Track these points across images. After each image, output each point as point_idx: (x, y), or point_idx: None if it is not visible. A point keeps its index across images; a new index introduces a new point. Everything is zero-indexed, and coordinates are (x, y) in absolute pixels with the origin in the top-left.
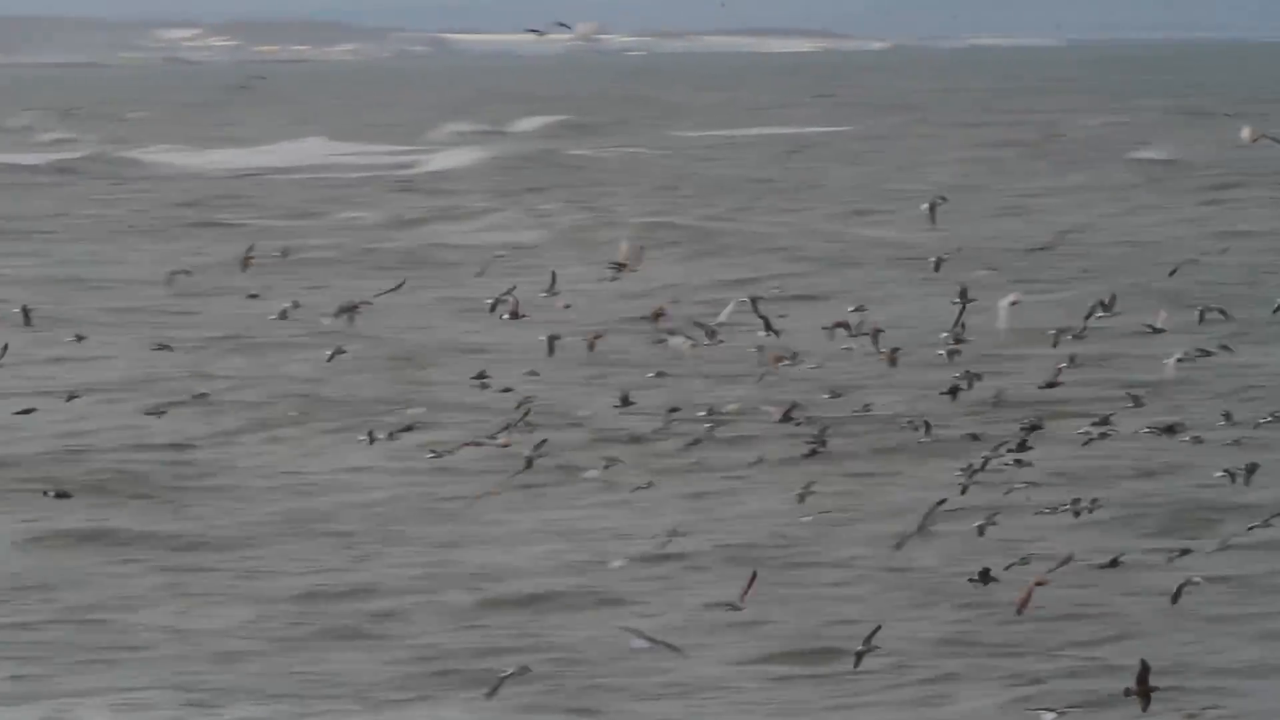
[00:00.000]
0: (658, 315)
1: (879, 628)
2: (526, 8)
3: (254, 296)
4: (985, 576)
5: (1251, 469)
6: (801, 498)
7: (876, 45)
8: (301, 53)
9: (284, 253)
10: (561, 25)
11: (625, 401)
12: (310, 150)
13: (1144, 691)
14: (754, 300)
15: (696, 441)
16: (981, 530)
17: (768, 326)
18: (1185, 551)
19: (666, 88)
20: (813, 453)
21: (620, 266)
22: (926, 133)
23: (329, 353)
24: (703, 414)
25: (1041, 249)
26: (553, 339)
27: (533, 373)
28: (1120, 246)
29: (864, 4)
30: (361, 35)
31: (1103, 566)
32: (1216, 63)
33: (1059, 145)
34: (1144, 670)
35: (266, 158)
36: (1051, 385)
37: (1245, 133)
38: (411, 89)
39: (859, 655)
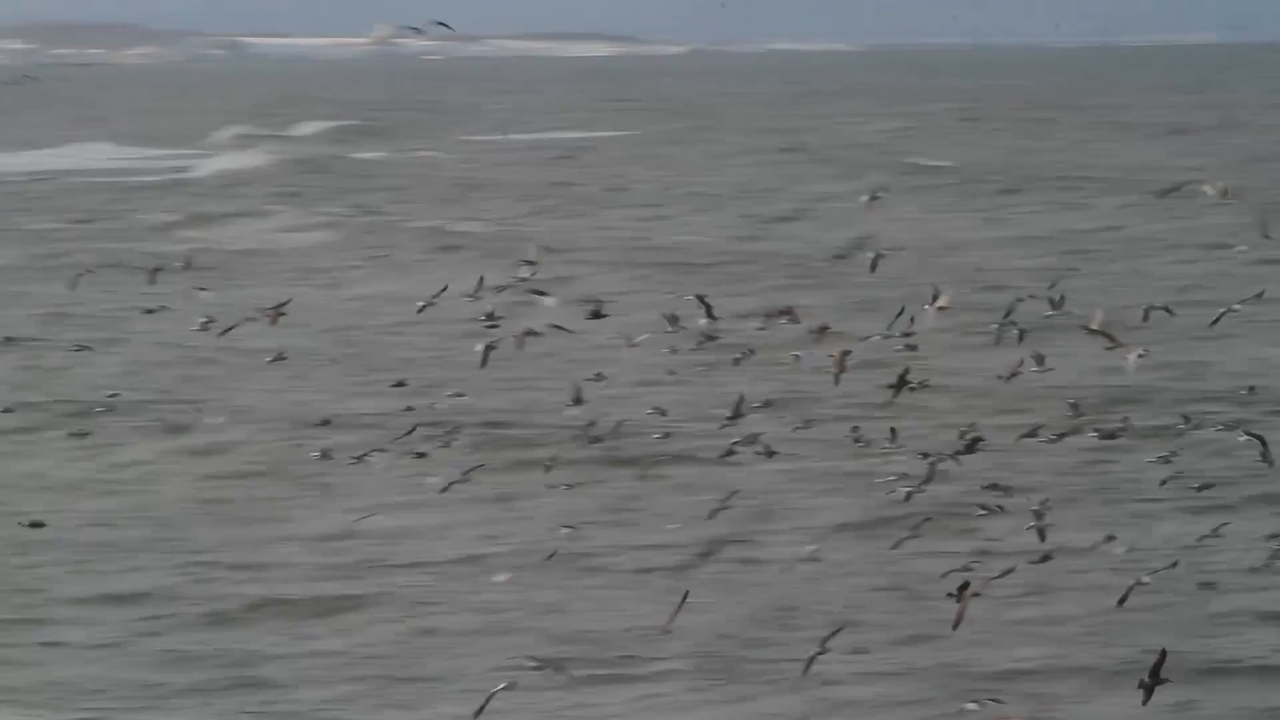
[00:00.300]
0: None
1: (840, 629)
2: (324, 12)
3: (152, 312)
4: (963, 590)
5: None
6: (598, 501)
7: (674, 50)
8: (96, 55)
9: (187, 263)
10: (441, 24)
11: (578, 400)
12: (96, 153)
13: (1153, 684)
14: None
15: (507, 441)
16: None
17: (709, 313)
18: (984, 553)
19: (463, 91)
20: (629, 458)
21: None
22: (719, 137)
23: (269, 358)
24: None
25: (838, 256)
26: (488, 348)
27: (400, 383)
28: (912, 253)
29: (662, 9)
30: (157, 38)
31: (1035, 562)
32: (1007, 68)
33: (850, 150)
34: (1161, 660)
35: (53, 161)
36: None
37: (1211, 189)
38: (203, 92)
39: (811, 659)
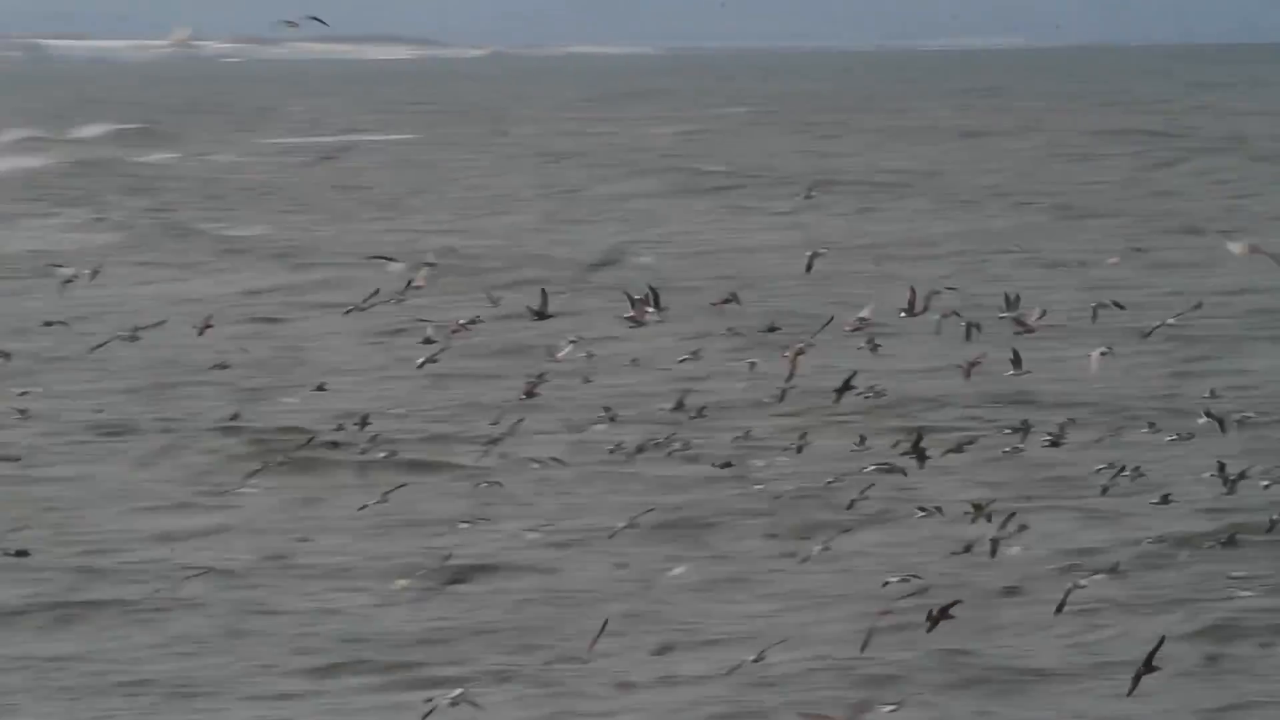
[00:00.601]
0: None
1: (781, 640)
2: (125, 14)
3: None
4: (944, 613)
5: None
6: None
7: (474, 53)
8: None
9: (94, 272)
10: (316, 20)
11: (528, 392)
12: None
13: (1145, 671)
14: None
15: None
16: None
17: (655, 302)
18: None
19: (260, 94)
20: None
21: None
22: (513, 140)
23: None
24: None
25: (603, 264)
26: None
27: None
28: (689, 259)
29: (463, 12)
30: None
31: (955, 553)
32: (803, 71)
33: (638, 154)
34: (1157, 648)
35: None
36: (973, 365)
37: (1238, 248)
38: None
39: (738, 665)
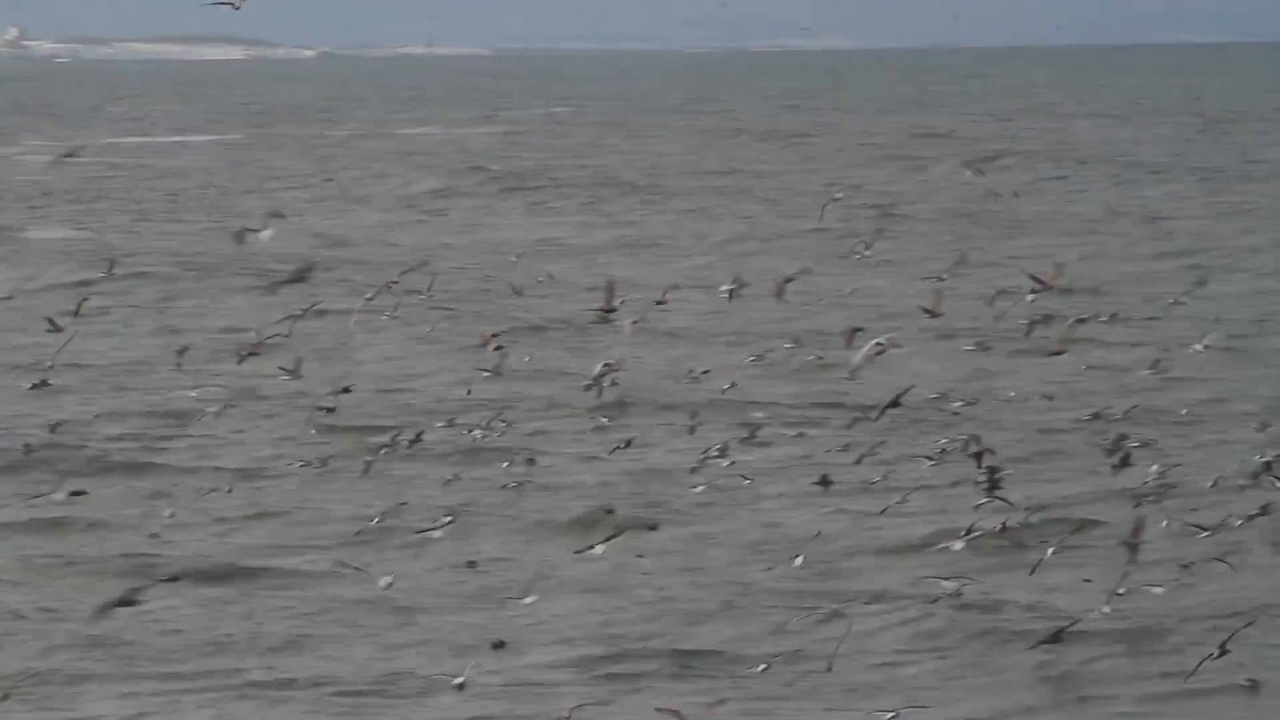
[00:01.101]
0: None
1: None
2: None
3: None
4: (1056, 637)
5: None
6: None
7: (306, 54)
8: None
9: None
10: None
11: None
12: None
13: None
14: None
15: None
16: None
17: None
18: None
19: (86, 94)
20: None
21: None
22: (335, 141)
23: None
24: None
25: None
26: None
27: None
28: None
29: (293, 12)
30: None
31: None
32: (634, 73)
33: (462, 154)
34: (1230, 638)
35: None
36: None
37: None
38: None
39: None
